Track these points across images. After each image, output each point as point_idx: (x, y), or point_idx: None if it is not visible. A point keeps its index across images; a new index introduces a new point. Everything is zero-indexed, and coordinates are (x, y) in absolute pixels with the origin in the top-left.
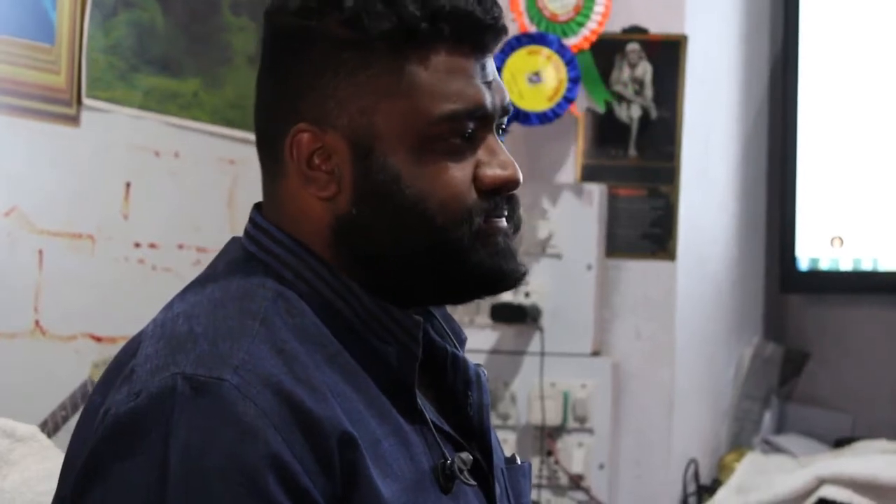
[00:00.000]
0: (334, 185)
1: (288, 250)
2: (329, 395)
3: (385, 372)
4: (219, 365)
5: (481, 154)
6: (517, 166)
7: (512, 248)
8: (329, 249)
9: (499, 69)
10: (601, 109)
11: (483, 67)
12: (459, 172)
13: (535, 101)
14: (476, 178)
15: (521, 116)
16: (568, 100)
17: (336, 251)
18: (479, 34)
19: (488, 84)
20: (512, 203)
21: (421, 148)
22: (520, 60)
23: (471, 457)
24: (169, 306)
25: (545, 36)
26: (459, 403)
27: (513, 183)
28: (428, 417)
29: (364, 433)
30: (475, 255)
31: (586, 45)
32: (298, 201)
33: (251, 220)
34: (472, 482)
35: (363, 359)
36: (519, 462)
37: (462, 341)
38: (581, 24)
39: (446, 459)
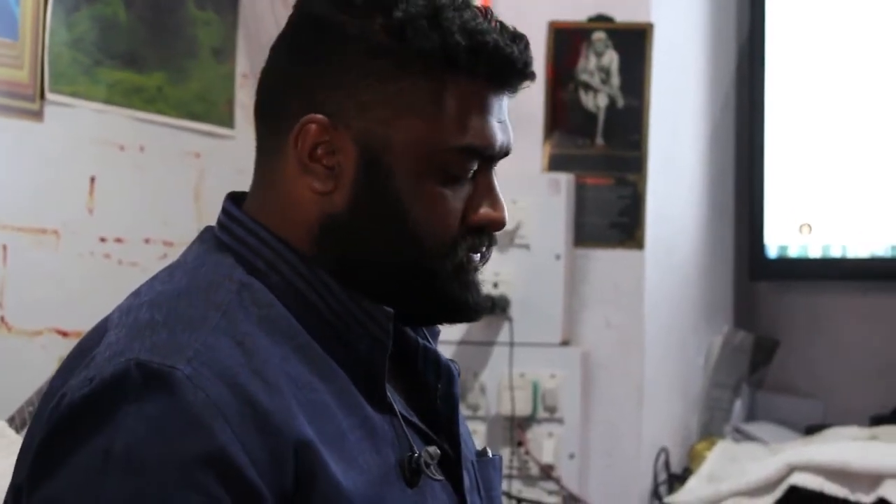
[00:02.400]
0: (332, 182)
1: (261, 240)
2: (288, 394)
3: (356, 363)
4: (173, 354)
5: (477, 190)
6: (505, 208)
7: (479, 282)
8: (309, 241)
9: None
10: None
11: (501, 107)
12: (454, 204)
13: None
14: (467, 213)
15: None
16: None
17: (316, 245)
18: (511, 77)
19: (501, 124)
20: (491, 241)
21: (427, 171)
22: None
23: (438, 451)
24: (137, 293)
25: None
26: (429, 396)
27: (500, 224)
28: (397, 409)
29: (329, 426)
30: (448, 285)
31: None
32: (289, 185)
33: (224, 209)
34: (439, 477)
35: (334, 350)
36: (490, 455)
37: (435, 334)
38: None
39: (413, 453)
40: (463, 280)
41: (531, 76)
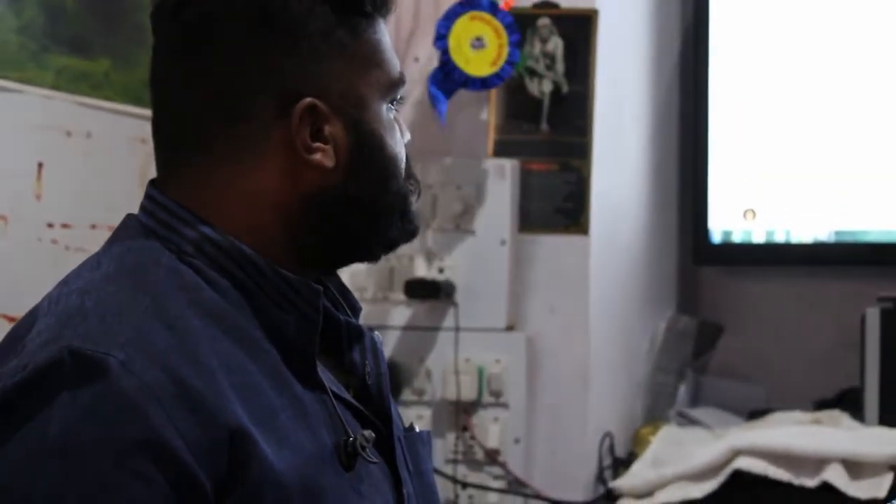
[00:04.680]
0: (335, 155)
1: (187, 224)
2: (220, 376)
3: (286, 342)
4: (106, 340)
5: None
6: None
7: None
8: (285, 225)
9: (444, 36)
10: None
11: None
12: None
13: (479, 66)
14: None
15: (469, 82)
16: (511, 63)
17: (296, 224)
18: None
19: None
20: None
21: (387, 111)
22: (463, 26)
23: (373, 434)
24: (64, 282)
25: (479, 1)
26: (357, 372)
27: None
28: (328, 387)
29: (261, 405)
30: (413, 206)
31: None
32: (272, 174)
33: (148, 195)
34: (375, 459)
35: (264, 330)
36: (417, 430)
37: (357, 311)
38: None
39: (349, 437)
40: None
41: None
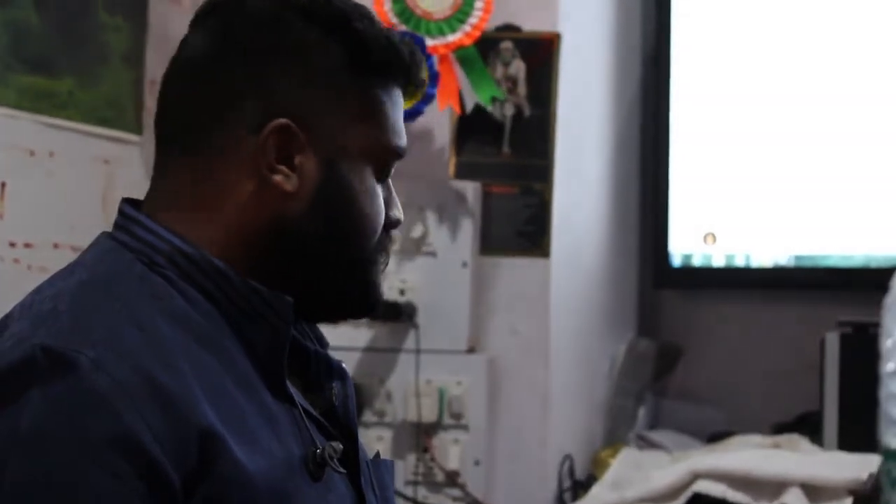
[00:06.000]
0: (298, 182)
1: (158, 237)
2: (190, 377)
3: (255, 353)
4: (77, 339)
5: (388, 190)
6: None
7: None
8: (244, 245)
9: None
10: (487, 106)
11: None
12: (382, 201)
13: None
14: (385, 211)
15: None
16: (428, 96)
17: (255, 247)
18: (420, 84)
19: None
20: (392, 240)
21: (372, 171)
22: None
23: (341, 446)
24: (37, 290)
25: (413, 36)
26: (325, 397)
27: (399, 224)
28: (297, 401)
29: (231, 408)
30: (376, 278)
31: (468, 42)
32: (235, 187)
33: (121, 211)
34: (342, 469)
35: (234, 340)
36: (382, 458)
37: (325, 346)
38: (461, 21)
39: (317, 448)
40: (379, 276)
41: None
